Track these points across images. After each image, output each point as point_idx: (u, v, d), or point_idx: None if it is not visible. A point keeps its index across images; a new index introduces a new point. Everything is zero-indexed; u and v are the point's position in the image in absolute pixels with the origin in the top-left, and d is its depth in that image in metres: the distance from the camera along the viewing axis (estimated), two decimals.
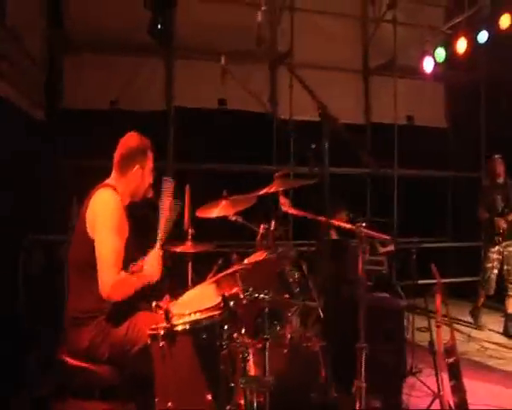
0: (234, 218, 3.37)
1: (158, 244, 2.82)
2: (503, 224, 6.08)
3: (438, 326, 4.46)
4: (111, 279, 2.64)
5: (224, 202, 3.32)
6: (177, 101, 7.20)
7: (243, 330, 2.58)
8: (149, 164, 3.02)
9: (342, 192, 6.94)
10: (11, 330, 4.38)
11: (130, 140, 3.00)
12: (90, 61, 6.98)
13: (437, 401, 3.98)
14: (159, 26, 6.32)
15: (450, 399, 3.85)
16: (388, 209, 7.39)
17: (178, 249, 3.35)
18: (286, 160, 7.10)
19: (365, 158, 2.41)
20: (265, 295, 2.42)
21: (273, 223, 3.18)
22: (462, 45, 6.84)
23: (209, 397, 2.33)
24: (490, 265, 6.22)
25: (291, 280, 2.90)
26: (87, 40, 6.89)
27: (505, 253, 6.18)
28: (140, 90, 7.06)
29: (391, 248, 5.44)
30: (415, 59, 7.37)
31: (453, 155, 7.75)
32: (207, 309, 2.58)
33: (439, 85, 8.56)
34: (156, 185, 3.18)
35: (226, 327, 2.49)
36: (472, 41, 6.76)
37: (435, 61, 7.12)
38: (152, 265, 2.78)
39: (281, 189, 3.07)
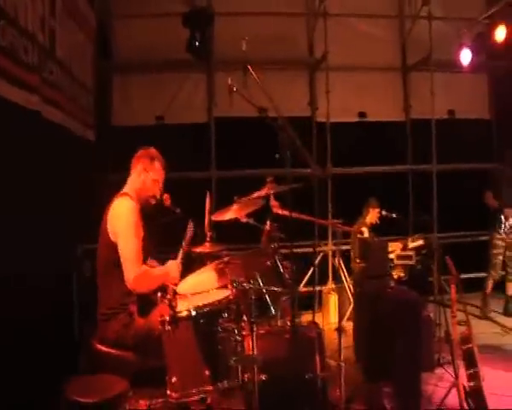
0: (245, 220, 3.86)
1: (179, 259, 3.53)
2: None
3: (453, 317, 4.74)
4: (134, 272, 3.26)
5: (235, 206, 3.79)
6: (217, 112, 7.78)
7: (244, 317, 3.06)
8: (154, 171, 3.60)
9: (384, 189, 7.35)
10: (66, 329, 5.12)
11: (140, 150, 3.67)
12: (136, 80, 7.74)
13: (454, 389, 4.25)
14: (196, 43, 6.97)
15: (466, 386, 4.10)
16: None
17: (197, 250, 3.86)
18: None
19: (310, 163, 2.73)
20: (251, 285, 2.89)
21: (268, 223, 3.65)
22: (501, 34, 6.93)
23: (207, 373, 2.84)
24: (496, 251, 6.69)
25: (286, 273, 3.34)
26: (133, 61, 7.65)
27: (508, 240, 6.67)
28: (183, 105, 7.72)
29: (420, 242, 5.70)
30: (453, 52, 7.52)
31: (497, 147, 7.71)
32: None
33: (481, 77, 8.62)
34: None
35: (226, 314, 2.98)
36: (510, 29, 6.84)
37: (473, 52, 7.26)
38: (173, 271, 3.44)
39: (271, 192, 3.50)
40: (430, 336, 5.14)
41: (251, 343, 3.06)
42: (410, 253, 5.64)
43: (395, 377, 4.35)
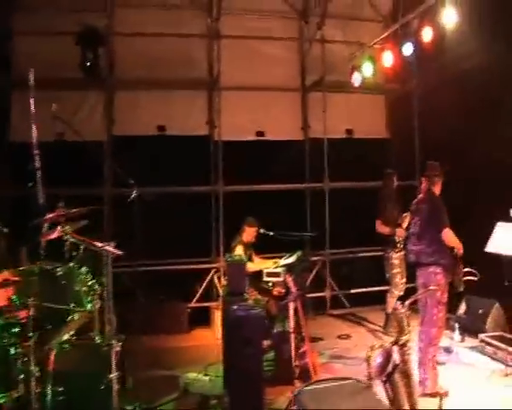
0: (71, 238, 4.13)
1: None
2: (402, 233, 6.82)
3: (290, 333, 5.07)
4: None
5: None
6: (116, 130, 8.04)
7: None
8: None
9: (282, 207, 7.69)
10: None
11: None
12: (34, 97, 7.92)
13: None
14: (88, 63, 7.26)
15: None
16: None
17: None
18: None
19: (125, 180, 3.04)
20: (28, 302, 3.16)
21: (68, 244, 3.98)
22: (388, 58, 7.34)
23: None
24: (396, 271, 7.01)
25: (88, 293, 3.63)
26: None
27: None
28: (82, 122, 7.91)
29: (291, 260, 5.95)
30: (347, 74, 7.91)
31: (395, 165, 8.01)
32: None
33: (379, 98, 9.10)
34: None
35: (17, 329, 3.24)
36: (399, 54, 7.25)
37: (364, 75, 7.65)
38: None
39: (62, 214, 3.82)
40: (289, 351, 5.42)
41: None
42: (279, 270, 5.93)
43: (231, 389, 4.66)
